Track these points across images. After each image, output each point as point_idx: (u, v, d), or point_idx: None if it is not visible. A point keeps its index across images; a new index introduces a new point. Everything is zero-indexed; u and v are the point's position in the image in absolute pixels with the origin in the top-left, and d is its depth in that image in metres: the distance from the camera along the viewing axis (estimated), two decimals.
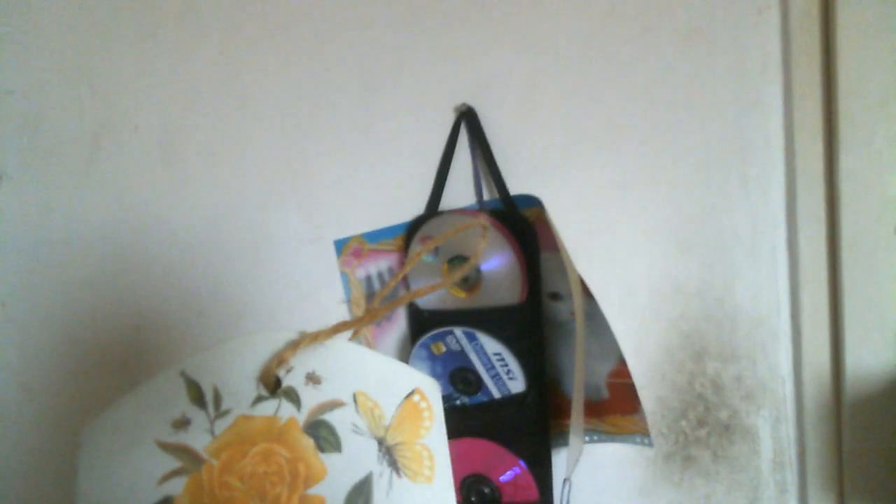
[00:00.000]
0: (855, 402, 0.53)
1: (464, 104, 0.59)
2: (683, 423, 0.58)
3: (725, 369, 0.58)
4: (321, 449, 0.23)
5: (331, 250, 0.64)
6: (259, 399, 0.23)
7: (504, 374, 0.57)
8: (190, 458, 0.22)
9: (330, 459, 0.23)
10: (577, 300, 0.55)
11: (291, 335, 0.24)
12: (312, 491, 0.22)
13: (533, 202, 0.57)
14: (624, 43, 0.57)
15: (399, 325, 0.64)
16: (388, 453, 0.23)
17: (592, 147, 0.58)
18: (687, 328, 0.58)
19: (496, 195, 0.59)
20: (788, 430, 0.56)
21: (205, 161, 0.65)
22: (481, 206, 0.60)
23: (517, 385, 0.57)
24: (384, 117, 0.62)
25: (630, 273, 0.58)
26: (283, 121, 0.64)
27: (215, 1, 0.64)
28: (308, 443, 0.23)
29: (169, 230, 0.67)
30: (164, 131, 0.65)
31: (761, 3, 0.55)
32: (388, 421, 0.24)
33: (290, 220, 0.65)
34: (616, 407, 0.57)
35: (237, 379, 0.23)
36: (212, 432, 0.23)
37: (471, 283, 0.59)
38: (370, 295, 0.64)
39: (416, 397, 0.25)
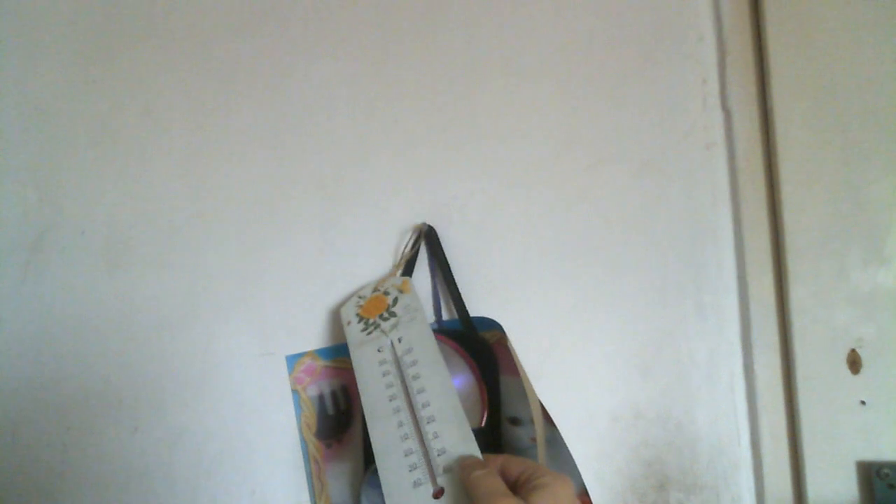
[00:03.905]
0: None
1: (424, 223, 0.60)
2: None
3: (689, 500, 0.56)
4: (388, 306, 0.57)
5: (282, 366, 0.61)
6: (374, 292, 0.59)
7: None
8: (360, 305, 0.59)
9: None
10: (539, 427, 0.53)
11: (370, 289, 0.60)
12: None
13: (493, 325, 0.57)
14: (581, 171, 0.59)
15: (352, 447, 0.61)
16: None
17: (552, 271, 0.59)
18: (648, 456, 0.57)
19: (455, 315, 0.58)
20: None
21: (153, 269, 0.63)
22: (440, 326, 0.59)
23: None
24: (343, 232, 0.62)
25: (590, 398, 0.57)
26: (239, 231, 0.63)
27: (177, 109, 0.64)
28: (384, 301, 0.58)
29: (108, 341, 0.63)
30: (113, 237, 0.63)
31: (708, 140, 0.58)
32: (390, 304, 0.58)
33: (240, 333, 0.62)
34: None
35: (369, 292, 0.59)
36: (364, 301, 0.58)
37: None
38: (323, 414, 0.61)
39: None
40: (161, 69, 0.64)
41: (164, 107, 0.64)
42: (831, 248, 0.54)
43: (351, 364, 0.61)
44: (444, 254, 0.59)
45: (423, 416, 0.48)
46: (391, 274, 0.60)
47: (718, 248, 0.57)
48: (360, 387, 0.52)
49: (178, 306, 0.63)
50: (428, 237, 0.59)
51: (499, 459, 0.43)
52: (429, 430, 0.47)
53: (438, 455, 0.46)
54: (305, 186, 0.62)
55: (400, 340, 0.53)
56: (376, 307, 0.57)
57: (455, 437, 0.46)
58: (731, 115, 0.57)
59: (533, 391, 0.54)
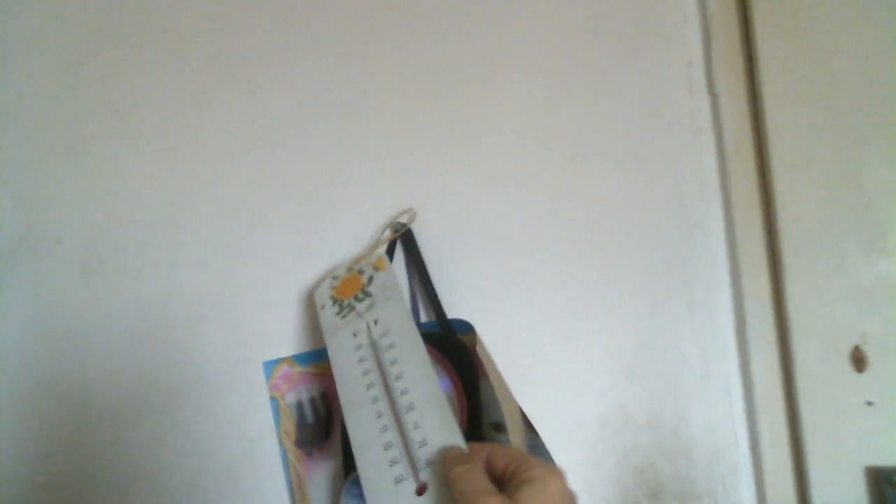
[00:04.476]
0: None
1: (399, 222, 0.58)
2: None
3: None
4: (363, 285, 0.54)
5: (259, 373, 0.60)
6: (348, 272, 0.57)
7: None
8: (334, 287, 0.56)
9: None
10: (517, 433, 0.51)
11: (344, 268, 0.57)
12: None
13: (467, 327, 0.54)
14: (561, 165, 0.56)
15: (334, 455, 0.59)
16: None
17: (533, 270, 0.56)
18: (640, 462, 0.54)
19: (433, 318, 0.56)
20: None
21: (129, 277, 0.62)
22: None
23: None
24: (319, 234, 0.60)
25: (576, 402, 0.54)
26: (215, 235, 0.61)
27: (148, 116, 0.63)
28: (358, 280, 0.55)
29: (87, 350, 0.62)
30: (88, 246, 0.62)
31: (695, 126, 0.55)
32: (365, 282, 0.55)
33: (218, 339, 0.61)
34: None
35: (343, 272, 0.57)
36: (338, 282, 0.56)
37: None
38: (302, 422, 0.59)
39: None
40: (134, 73, 0.63)
41: (137, 111, 0.63)
42: (829, 238, 0.50)
43: (329, 370, 0.59)
44: (420, 254, 0.57)
45: (402, 404, 0.45)
46: (366, 253, 0.57)
47: (709, 241, 0.54)
48: (335, 376, 0.49)
49: (155, 313, 0.62)
50: (404, 236, 0.57)
51: (484, 450, 0.40)
52: (408, 419, 0.44)
53: (420, 447, 0.43)
54: (280, 188, 0.61)
55: (376, 322, 0.50)
56: (351, 288, 0.54)
57: (436, 427, 0.43)
58: (719, 99, 0.54)
59: (510, 395, 0.51)
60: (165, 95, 0.63)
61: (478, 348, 0.52)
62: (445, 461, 0.40)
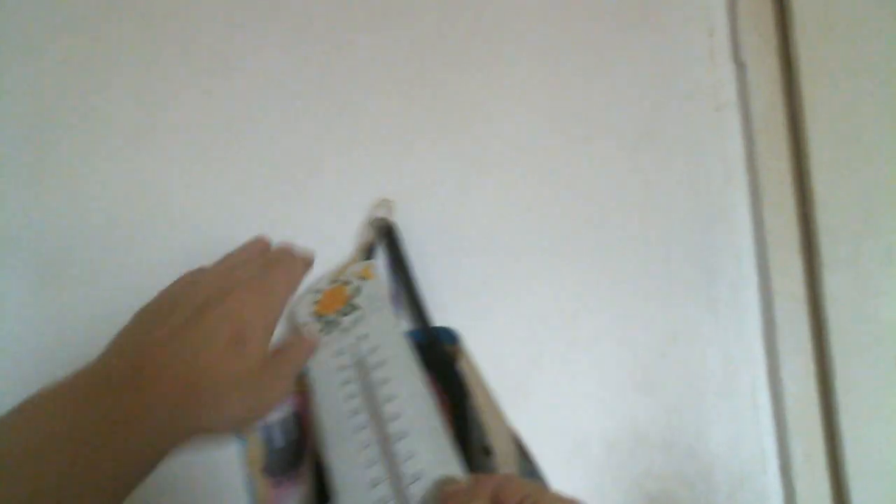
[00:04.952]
0: None
1: (381, 217, 0.51)
2: None
3: None
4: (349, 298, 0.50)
5: None
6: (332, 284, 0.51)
7: None
8: (316, 301, 0.50)
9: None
10: (508, 460, 0.45)
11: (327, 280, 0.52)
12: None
13: (453, 337, 0.48)
14: (567, 148, 0.52)
15: (304, 483, 0.52)
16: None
17: (533, 268, 0.51)
18: (654, 489, 0.48)
19: (418, 324, 0.49)
20: None
21: (86, 287, 0.55)
22: None
23: None
24: (297, 233, 0.53)
25: (580, 420, 0.50)
26: (182, 239, 0.55)
27: (114, 109, 0.56)
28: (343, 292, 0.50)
29: (40, 364, 0.56)
30: (44, 251, 0.56)
31: (718, 101, 0.49)
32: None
33: None
34: None
35: (326, 284, 0.52)
36: (320, 295, 0.50)
37: None
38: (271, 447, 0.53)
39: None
40: (99, 61, 0.57)
41: (102, 102, 0.57)
42: (874, 227, 0.45)
43: (302, 387, 0.53)
44: (404, 253, 0.50)
45: (392, 431, 0.41)
46: (351, 261, 0.52)
47: (733, 231, 0.50)
48: (315, 402, 0.44)
49: (114, 325, 0.55)
50: (387, 234, 0.50)
51: (490, 483, 0.35)
52: (400, 448, 0.40)
53: (413, 482, 0.38)
54: (255, 184, 0.55)
55: (364, 338, 0.45)
56: (335, 301, 0.49)
57: (432, 457, 0.39)
58: (746, 69, 0.49)
59: (500, 415, 0.45)
60: (132, 85, 0.57)
61: (463, 362, 0.46)
62: (445, 498, 0.36)
